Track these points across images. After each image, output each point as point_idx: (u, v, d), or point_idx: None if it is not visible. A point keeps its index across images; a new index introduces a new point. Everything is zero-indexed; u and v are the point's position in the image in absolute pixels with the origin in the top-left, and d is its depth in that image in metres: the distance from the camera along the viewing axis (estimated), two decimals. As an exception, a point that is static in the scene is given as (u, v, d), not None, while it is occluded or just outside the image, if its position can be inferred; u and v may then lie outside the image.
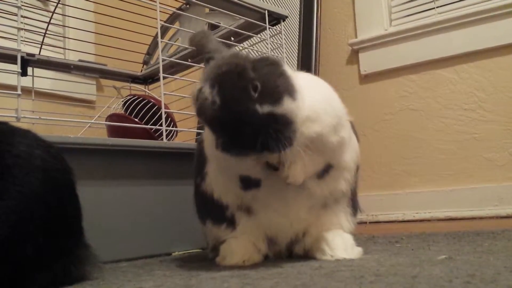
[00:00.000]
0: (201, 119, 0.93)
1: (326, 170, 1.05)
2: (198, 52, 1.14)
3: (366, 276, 0.79)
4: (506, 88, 2.17)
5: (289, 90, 0.92)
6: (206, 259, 1.26)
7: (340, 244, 1.07)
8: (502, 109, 2.17)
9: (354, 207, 1.17)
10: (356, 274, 0.82)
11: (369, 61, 2.59)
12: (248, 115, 0.87)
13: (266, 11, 1.83)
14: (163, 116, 1.59)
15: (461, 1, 2.35)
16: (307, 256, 1.12)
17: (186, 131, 2.07)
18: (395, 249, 1.19)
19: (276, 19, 1.88)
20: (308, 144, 0.97)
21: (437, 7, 2.42)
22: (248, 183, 1.05)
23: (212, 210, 1.18)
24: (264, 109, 0.88)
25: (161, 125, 1.58)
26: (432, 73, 2.39)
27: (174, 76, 1.99)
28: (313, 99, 0.98)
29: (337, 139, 1.02)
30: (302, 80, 0.99)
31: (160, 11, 1.62)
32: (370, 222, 2.41)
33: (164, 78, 1.62)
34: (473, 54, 2.26)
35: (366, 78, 2.62)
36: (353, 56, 2.67)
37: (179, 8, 1.99)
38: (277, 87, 0.91)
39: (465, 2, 2.33)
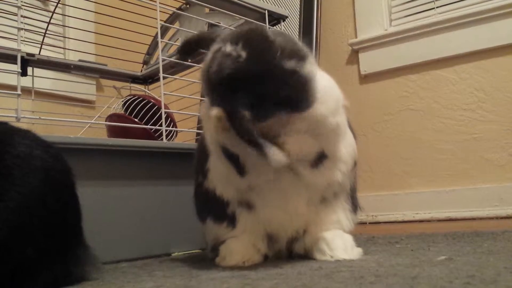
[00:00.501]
0: (220, 78, 0.89)
1: (320, 160, 1.04)
2: (208, 42, 1.11)
3: (366, 276, 0.79)
4: (506, 88, 2.17)
5: (308, 55, 0.94)
6: (206, 259, 1.26)
7: (340, 244, 1.07)
8: (502, 109, 2.17)
9: (354, 203, 1.17)
10: (356, 274, 0.82)
11: (369, 61, 2.59)
12: (275, 69, 0.87)
13: (266, 11, 1.83)
14: (163, 116, 1.58)
15: (461, 1, 2.34)
16: (307, 256, 1.12)
17: (186, 131, 2.07)
18: (394, 250, 1.19)
19: (276, 19, 1.87)
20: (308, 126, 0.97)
21: (437, 7, 2.42)
22: (234, 161, 1.02)
23: (213, 208, 1.17)
24: (289, 65, 0.88)
25: (161, 125, 1.58)
26: (432, 73, 2.39)
27: (174, 76, 1.99)
28: (320, 80, 0.99)
29: (333, 121, 1.01)
30: None
31: (160, 11, 1.62)
32: (369, 223, 2.41)
33: (164, 78, 1.62)
34: (473, 54, 2.25)
35: (366, 78, 2.62)
36: (353, 56, 2.67)
37: (179, 8, 1.99)
38: (299, 51, 0.93)
39: (465, 2, 2.33)
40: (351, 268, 0.91)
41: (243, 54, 0.87)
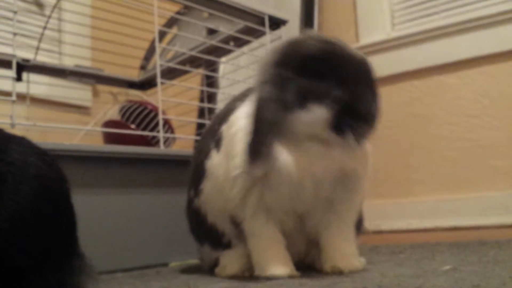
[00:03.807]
0: (290, 51, 0.96)
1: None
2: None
3: (369, 287, 0.78)
4: (510, 94, 2.15)
5: None
6: (204, 270, 1.24)
7: (342, 254, 1.05)
8: (507, 115, 2.15)
9: (358, 226, 1.16)
10: (358, 285, 0.80)
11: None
12: (354, 72, 0.99)
13: (266, 15, 1.81)
14: (161, 122, 1.57)
15: (465, 6, 2.33)
16: (309, 266, 1.10)
17: (184, 138, 2.06)
18: (398, 260, 1.18)
19: (276, 23, 1.86)
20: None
21: (440, 12, 2.40)
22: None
23: (208, 234, 1.15)
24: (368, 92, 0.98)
25: (158, 131, 1.56)
26: (436, 79, 2.36)
27: (172, 82, 1.98)
28: None
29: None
30: None
31: (158, 16, 1.61)
32: (373, 232, 2.39)
33: (162, 83, 1.60)
34: (477, 59, 2.23)
35: (368, 84, 2.61)
36: (355, 62, 2.65)
37: (178, 13, 1.97)
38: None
39: (469, 7, 2.31)
40: (354, 278, 0.90)
41: (327, 41, 1.02)
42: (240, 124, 1.02)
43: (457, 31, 2.27)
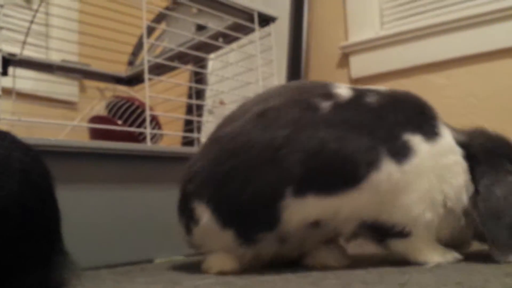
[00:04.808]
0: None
1: None
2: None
3: (353, 283, 0.78)
4: (498, 94, 2.16)
5: None
6: (190, 267, 1.23)
7: (330, 250, 1.05)
8: (494, 115, 2.16)
9: None
10: (343, 281, 0.81)
11: (360, 65, 2.57)
12: None
13: (256, 12, 1.81)
14: (148, 118, 1.56)
15: (454, 5, 2.33)
16: (295, 263, 1.10)
17: (171, 135, 2.05)
18: (383, 256, 1.17)
19: (266, 20, 1.86)
20: None
21: (429, 11, 2.41)
22: None
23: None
24: None
25: (145, 127, 1.55)
26: (423, 78, 2.37)
27: (160, 78, 1.97)
28: None
29: None
30: None
31: (146, 11, 1.60)
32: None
33: (149, 79, 1.60)
34: (464, 59, 2.24)
35: (357, 82, 2.60)
36: (344, 60, 2.65)
37: (166, 8, 1.96)
38: None
39: (457, 6, 2.31)
40: (339, 275, 0.90)
41: None
42: (458, 156, 1.07)
43: (445, 30, 2.28)
